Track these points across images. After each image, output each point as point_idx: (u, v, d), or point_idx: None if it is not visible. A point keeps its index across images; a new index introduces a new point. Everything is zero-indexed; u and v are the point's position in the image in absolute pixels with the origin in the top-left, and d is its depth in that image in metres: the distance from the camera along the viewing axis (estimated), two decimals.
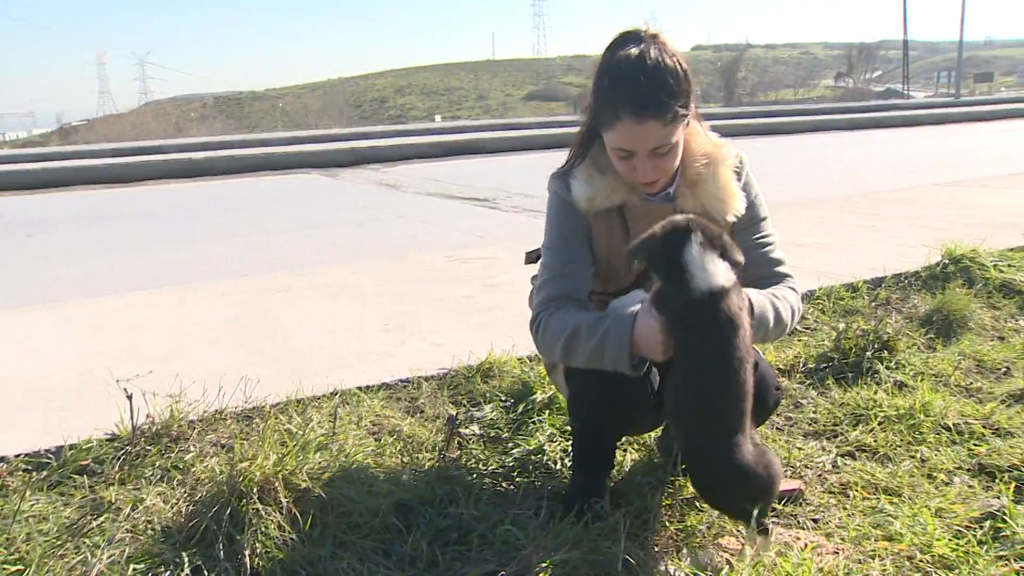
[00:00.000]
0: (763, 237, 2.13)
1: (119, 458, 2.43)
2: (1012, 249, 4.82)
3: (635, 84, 1.83)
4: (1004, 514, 2.01)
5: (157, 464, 2.40)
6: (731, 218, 2.03)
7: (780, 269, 2.15)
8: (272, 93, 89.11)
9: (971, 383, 3.12)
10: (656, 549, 2.00)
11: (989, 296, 4.10)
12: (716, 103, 62.24)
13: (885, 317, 3.50)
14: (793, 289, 2.14)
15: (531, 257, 2.39)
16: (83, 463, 2.45)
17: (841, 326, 3.56)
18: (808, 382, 3.14)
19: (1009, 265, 4.39)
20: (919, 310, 3.84)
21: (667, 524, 2.12)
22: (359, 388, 2.94)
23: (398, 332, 3.60)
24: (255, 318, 3.97)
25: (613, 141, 1.91)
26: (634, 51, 1.87)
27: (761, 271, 2.11)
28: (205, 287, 4.72)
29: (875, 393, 2.92)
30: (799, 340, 3.54)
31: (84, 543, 1.93)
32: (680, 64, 1.88)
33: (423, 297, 4.21)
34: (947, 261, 4.39)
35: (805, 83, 78.81)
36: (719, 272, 1.74)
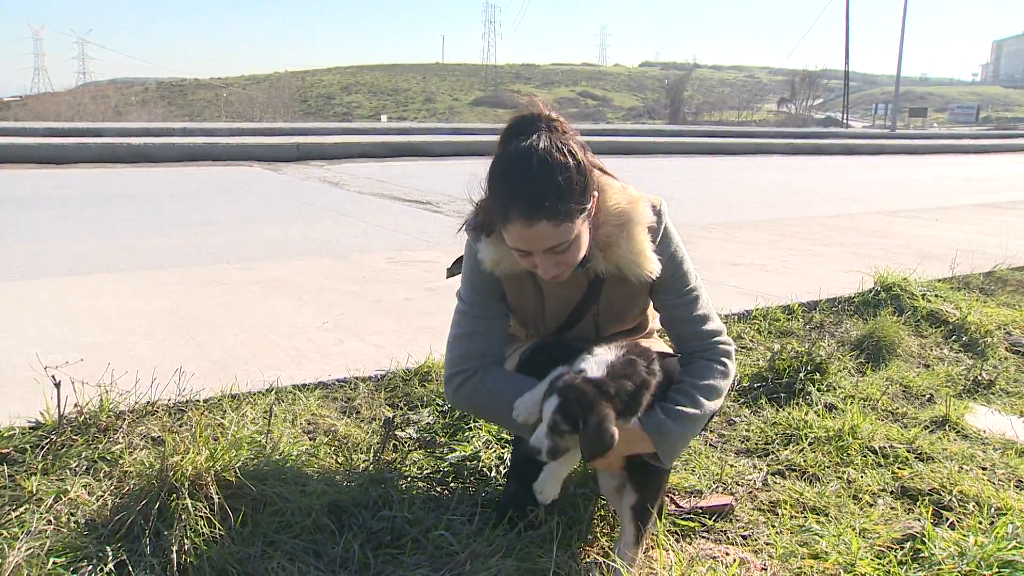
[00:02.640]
0: (686, 294, 2.03)
1: (43, 447, 2.35)
2: (940, 280, 4.98)
3: (523, 185, 1.74)
4: (924, 536, 2.07)
5: (83, 455, 2.33)
6: (647, 278, 1.94)
7: (707, 327, 2.06)
8: (217, 82, 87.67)
9: (897, 408, 3.21)
10: (587, 560, 2.01)
11: (917, 324, 4.23)
12: (661, 120, 63.17)
13: (818, 340, 3.59)
14: (719, 359, 2.05)
15: (452, 271, 2.36)
16: (3, 451, 2.37)
17: (776, 347, 3.64)
18: (742, 400, 3.19)
19: (936, 295, 4.53)
20: (851, 334, 3.94)
21: (599, 535, 2.14)
22: (295, 386, 2.90)
23: (336, 331, 3.57)
24: (192, 310, 3.89)
25: (508, 240, 1.83)
26: (523, 146, 1.77)
27: (684, 331, 2.05)
28: (143, 276, 4.61)
29: (806, 414, 2.98)
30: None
31: (1, 534, 1.87)
32: (572, 156, 1.77)
33: (363, 298, 4.17)
34: (879, 288, 4.52)
35: (749, 106, 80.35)
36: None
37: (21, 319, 3.69)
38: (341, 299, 4.15)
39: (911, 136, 36.04)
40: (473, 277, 2.04)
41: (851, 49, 51.50)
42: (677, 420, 1.90)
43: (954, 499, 2.37)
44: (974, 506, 2.34)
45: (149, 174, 11.36)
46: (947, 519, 2.26)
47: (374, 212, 8.28)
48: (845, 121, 56.24)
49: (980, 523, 2.18)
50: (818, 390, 3.24)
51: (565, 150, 1.76)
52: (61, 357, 3.04)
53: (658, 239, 1.97)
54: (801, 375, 3.27)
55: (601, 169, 1.92)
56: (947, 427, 3.03)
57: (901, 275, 4.64)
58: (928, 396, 3.39)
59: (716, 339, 2.06)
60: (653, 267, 1.92)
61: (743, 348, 3.75)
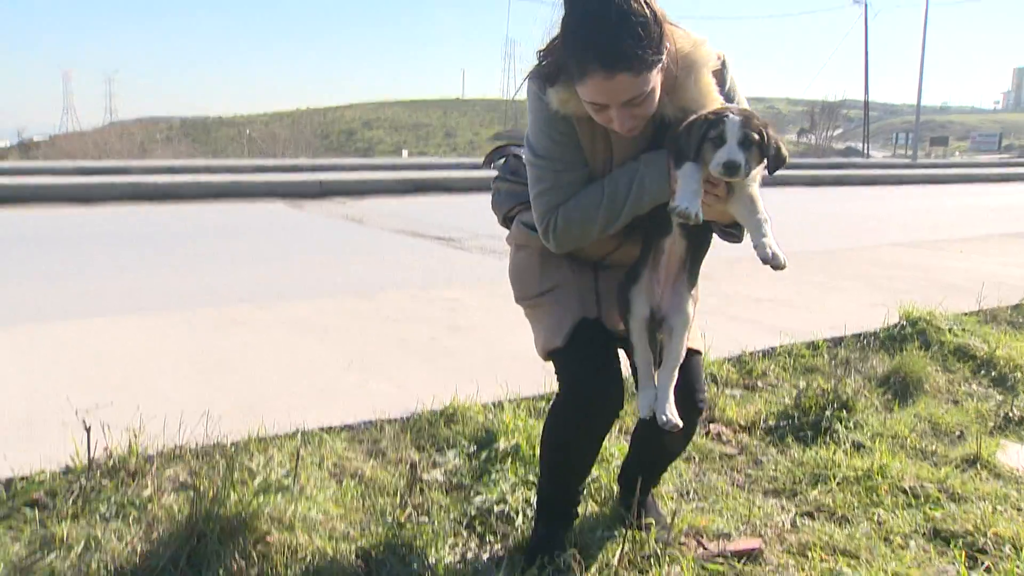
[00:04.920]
0: None
1: (73, 492, 2.37)
2: (967, 313, 4.94)
3: (602, 36, 1.72)
4: None
5: (113, 500, 2.34)
6: None
7: None
8: (240, 119, 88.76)
9: (927, 446, 3.18)
10: None
11: (944, 359, 4.19)
12: None
13: (844, 377, 3.56)
14: None
15: (491, 158, 2.37)
16: (34, 496, 2.39)
17: (802, 384, 3.62)
18: (768, 439, 3.17)
19: (963, 329, 4.49)
20: (877, 371, 3.91)
21: None
22: (321, 428, 2.91)
23: (361, 372, 3.58)
24: (219, 351, 3.93)
25: (585, 95, 1.81)
26: (599, 1, 1.74)
27: None
28: (170, 316, 4.66)
29: (834, 453, 2.96)
30: (760, 396, 3.59)
31: None
32: (649, 6, 1.76)
33: (388, 337, 4.19)
34: (905, 323, 4.48)
35: None
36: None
37: (51, 361, 3.73)
38: (366, 339, 4.17)
39: (933, 165, 35.89)
40: (545, 126, 1.96)
41: (871, 78, 51.49)
42: None
43: (989, 542, 2.34)
44: (1010, 549, 2.30)
45: (174, 212, 11.50)
46: (982, 563, 2.23)
47: (397, 249, 8.34)
48: (866, 151, 56.13)
49: (1017, 567, 2.14)
50: (845, 428, 3.21)
51: (640, 2, 1.74)
52: (91, 399, 3.08)
53: (726, 86, 1.96)
54: (828, 413, 3.24)
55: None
56: (979, 465, 2.99)
57: (927, 309, 4.60)
58: (958, 433, 3.35)
59: None
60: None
61: (768, 386, 3.73)
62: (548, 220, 2.00)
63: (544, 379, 3.19)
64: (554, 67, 1.89)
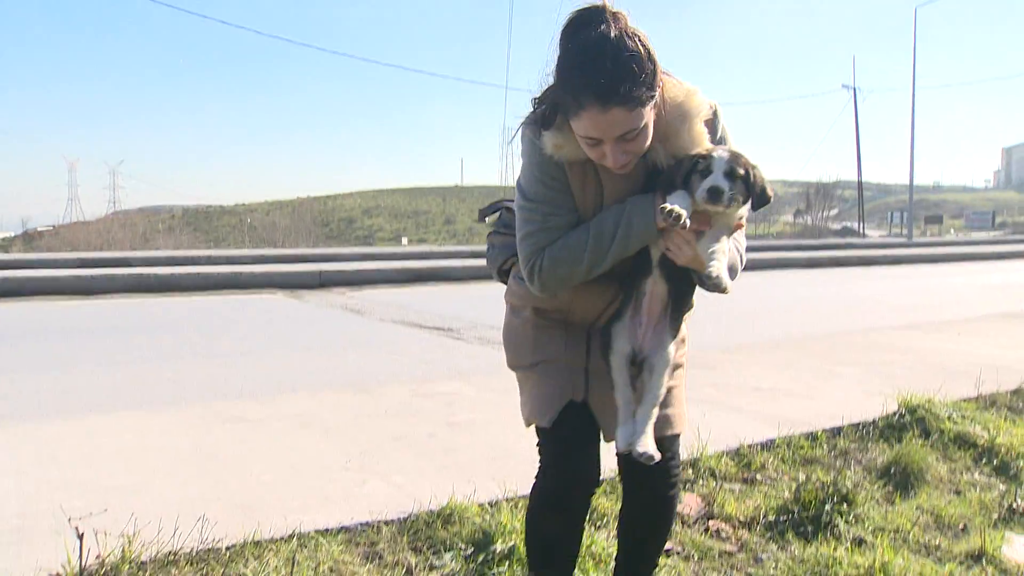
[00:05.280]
0: None
1: None
2: (966, 400, 4.92)
3: (598, 72, 1.77)
4: None
5: None
6: None
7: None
8: (241, 208, 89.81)
9: (930, 540, 3.14)
10: None
11: (945, 447, 4.17)
12: None
13: (844, 469, 3.54)
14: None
15: (486, 212, 2.39)
16: None
17: (801, 477, 3.60)
18: (768, 535, 3.14)
19: (963, 416, 4.47)
20: (877, 461, 3.89)
21: None
22: (318, 531, 2.88)
23: (359, 471, 3.56)
24: (216, 449, 3.91)
25: (579, 129, 1.85)
26: (594, 35, 1.80)
27: None
28: (166, 413, 4.66)
29: (835, 550, 2.93)
30: (759, 490, 3.56)
31: None
32: (643, 44, 1.82)
33: (386, 433, 4.18)
34: (904, 411, 4.47)
35: (765, 218, 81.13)
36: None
37: (45, 462, 3.71)
38: (364, 436, 4.15)
39: (928, 244, 36.23)
40: (536, 170, 1.99)
41: (864, 159, 52.37)
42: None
43: None
44: None
45: (175, 304, 11.57)
46: None
47: (396, 340, 8.36)
48: (861, 230, 56.69)
49: None
50: (846, 522, 3.18)
51: (636, 38, 1.80)
52: (85, 504, 3.06)
53: (717, 134, 2.01)
54: (828, 507, 3.21)
55: None
56: (984, 561, 2.96)
57: (925, 396, 4.60)
58: (962, 526, 3.31)
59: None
60: None
61: (768, 479, 3.70)
62: (534, 262, 2.02)
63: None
64: (550, 108, 1.94)
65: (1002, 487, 3.76)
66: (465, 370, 6.33)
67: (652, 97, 1.84)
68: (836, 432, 4.31)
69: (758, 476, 3.73)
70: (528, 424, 2.16)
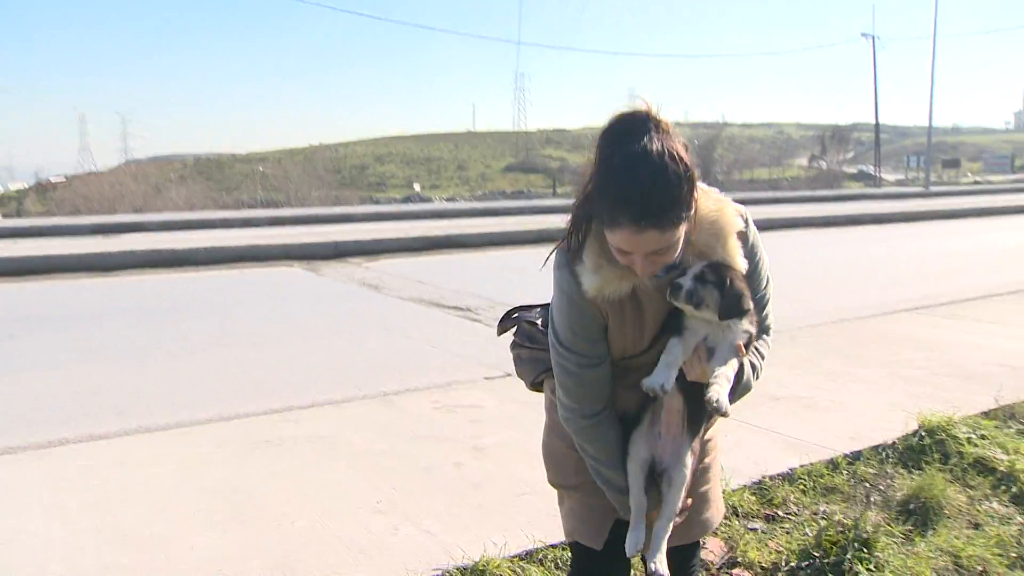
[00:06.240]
0: (757, 300, 2.09)
1: None
2: (986, 415, 4.96)
3: (635, 194, 1.76)
4: None
5: None
6: None
7: (765, 323, 2.17)
8: (253, 156, 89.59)
9: None
10: None
11: (964, 472, 4.22)
12: None
13: (866, 512, 3.61)
14: (766, 344, 2.20)
15: (504, 326, 2.42)
16: None
17: (823, 508, 3.68)
18: None
19: (982, 437, 4.52)
20: (896, 494, 3.95)
21: None
22: None
23: (391, 514, 3.65)
24: (246, 485, 4.00)
25: (611, 240, 1.86)
26: (636, 149, 1.78)
27: None
28: (196, 435, 4.77)
29: None
30: (781, 529, 3.64)
31: None
32: (684, 161, 1.80)
33: (414, 463, 4.26)
34: (923, 432, 4.52)
35: (780, 162, 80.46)
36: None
37: (86, 504, 3.82)
38: (392, 465, 4.24)
39: (945, 194, 35.98)
40: (567, 317, 2.02)
41: (881, 101, 51.67)
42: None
43: None
44: None
45: (193, 281, 11.68)
46: None
47: (415, 324, 8.44)
48: (878, 175, 56.05)
49: None
50: (867, 570, 3.26)
51: (677, 156, 1.78)
52: (130, 560, 3.15)
53: (748, 246, 2.04)
54: (848, 555, 3.29)
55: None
56: None
57: (945, 415, 4.64)
58: (981, 569, 3.39)
59: (767, 334, 2.20)
60: (743, 272, 2.02)
61: (789, 515, 3.78)
62: (567, 421, 2.11)
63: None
64: (583, 231, 1.96)
65: (1020, 519, 3.83)
66: (484, 364, 6.46)
67: (688, 216, 1.85)
68: (856, 457, 4.37)
69: (779, 512, 3.81)
70: (571, 540, 2.23)
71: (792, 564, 3.33)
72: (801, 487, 4.03)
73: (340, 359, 6.93)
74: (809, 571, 3.28)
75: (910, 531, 3.65)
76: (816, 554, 3.35)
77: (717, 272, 1.95)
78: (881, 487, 4.08)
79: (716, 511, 2.30)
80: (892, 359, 6.41)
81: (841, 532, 3.41)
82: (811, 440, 4.56)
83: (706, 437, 2.23)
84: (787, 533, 3.58)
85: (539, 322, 2.32)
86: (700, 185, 1.95)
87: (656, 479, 2.08)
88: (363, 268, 12.88)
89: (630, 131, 1.82)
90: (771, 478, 4.05)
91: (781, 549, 3.43)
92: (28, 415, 5.35)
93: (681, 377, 2.00)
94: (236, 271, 12.58)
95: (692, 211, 1.88)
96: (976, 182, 61.68)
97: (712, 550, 3.44)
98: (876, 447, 4.47)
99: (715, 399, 1.89)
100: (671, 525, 2.06)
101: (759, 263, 2.10)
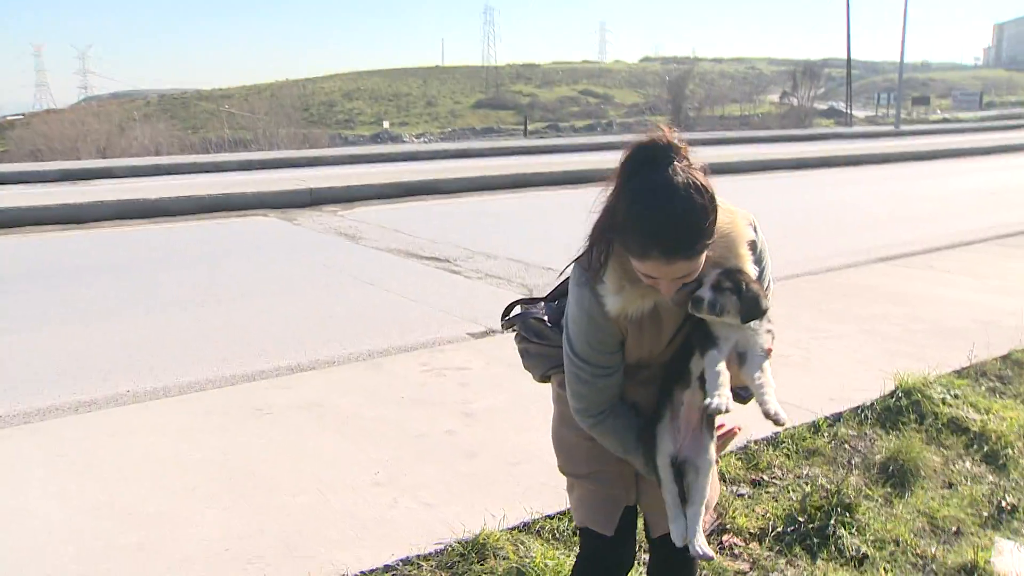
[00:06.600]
0: None
1: None
2: (959, 373, 5.12)
3: (666, 229, 1.81)
4: None
5: None
6: None
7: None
8: (218, 93, 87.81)
9: (925, 549, 3.38)
10: None
11: (939, 433, 4.39)
12: (664, 117, 63.06)
13: (847, 477, 3.74)
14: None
15: (510, 322, 2.44)
16: None
17: (806, 477, 3.81)
18: (777, 548, 3.36)
19: (956, 397, 4.68)
20: (875, 456, 4.10)
21: None
22: (362, 573, 3.07)
23: (388, 485, 3.73)
24: (243, 458, 4.04)
25: (639, 268, 1.91)
26: (662, 182, 1.82)
27: None
28: (190, 403, 4.81)
29: (836, 571, 3.16)
30: (767, 494, 3.77)
31: None
32: (707, 191, 1.85)
33: (406, 432, 4.33)
34: (900, 393, 4.66)
35: (751, 99, 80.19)
36: None
37: (86, 481, 3.87)
38: (385, 433, 4.31)
39: (916, 133, 36.25)
40: (584, 332, 2.08)
41: (852, 36, 51.56)
42: None
43: None
44: None
45: (169, 232, 11.56)
46: None
47: (394, 276, 8.48)
48: (849, 113, 56.08)
49: None
50: (849, 533, 3.40)
51: (701, 187, 1.83)
52: (137, 538, 3.21)
53: (757, 248, 2.12)
54: (832, 520, 3.44)
55: None
56: (976, 575, 3.20)
57: (920, 375, 4.79)
58: (955, 529, 3.55)
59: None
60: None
61: (774, 479, 3.92)
62: (583, 420, 2.19)
63: (561, 491, 3.36)
64: (604, 252, 1.99)
65: (991, 478, 4.00)
66: (467, 317, 6.64)
67: (711, 243, 1.91)
68: (836, 418, 4.51)
69: (765, 477, 3.94)
70: (582, 526, 2.32)
71: (779, 529, 3.46)
72: (785, 451, 4.16)
73: (323, 315, 6.96)
74: (795, 536, 3.41)
75: (889, 493, 3.81)
76: (801, 519, 3.49)
77: (732, 278, 2.01)
78: (861, 449, 4.23)
79: (714, 492, 2.40)
80: (868, 314, 6.55)
81: (825, 497, 3.56)
82: (792, 402, 4.69)
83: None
84: (773, 499, 3.71)
85: (547, 319, 2.36)
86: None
87: (681, 469, 2.16)
88: (339, 216, 12.80)
89: (653, 161, 1.86)
90: (756, 442, 4.18)
91: (768, 515, 3.57)
92: (13, 381, 5.35)
93: (702, 377, 2.06)
94: (211, 221, 12.45)
95: (715, 238, 1.93)
96: (945, 119, 62.22)
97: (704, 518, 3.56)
98: (856, 408, 4.61)
99: (773, 411, 1.96)
100: (703, 510, 2.15)
101: (765, 268, 2.16)
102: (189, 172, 19.54)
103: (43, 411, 4.84)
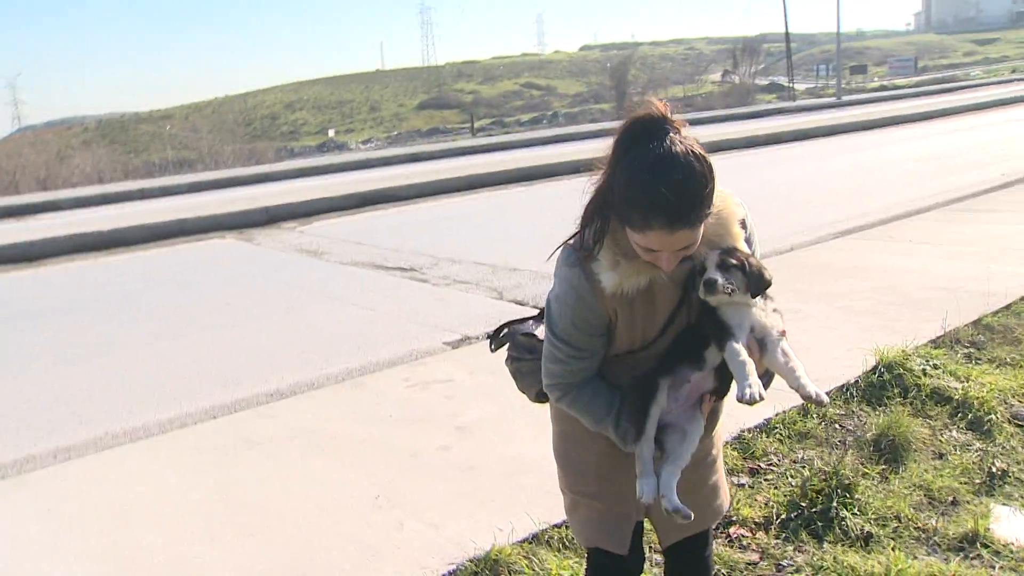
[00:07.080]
0: None
1: None
2: (935, 343, 5.21)
3: (670, 197, 1.80)
4: None
5: None
6: None
7: None
8: (158, 114, 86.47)
9: (926, 523, 3.44)
10: None
11: (923, 404, 4.46)
12: (608, 104, 63.31)
13: (843, 458, 3.80)
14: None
15: (499, 341, 2.43)
16: None
17: (801, 461, 3.86)
18: (784, 535, 3.40)
19: (935, 367, 4.77)
20: (866, 434, 4.16)
21: None
22: None
23: (391, 508, 3.70)
24: (239, 491, 3.99)
25: (640, 241, 1.90)
26: (661, 154, 1.81)
27: None
28: (178, 441, 4.73)
29: (846, 554, 3.20)
30: (766, 482, 3.81)
31: None
32: (705, 159, 1.86)
33: (400, 451, 4.30)
34: (882, 368, 4.74)
35: (692, 79, 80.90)
36: None
37: (85, 535, 3.78)
38: (381, 456, 4.27)
39: (857, 103, 36.97)
40: (570, 312, 2.06)
41: (787, 9, 52.44)
42: None
43: None
44: None
45: (126, 264, 11.35)
46: None
47: (362, 289, 8.43)
48: (791, 87, 56.78)
49: None
50: (852, 515, 3.45)
51: (699, 155, 1.84)
52: None
53: (747, 230, 2.13)
54: (834, 503, 3.48)
55: None
56: (978, 544, 3.26)
57: (900, 349, 4.87)
58: (951, 499, 3.62)
59: None
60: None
61: (771, 466, 3.96)
62: (554, 394, 2.18)
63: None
64: (599, 230, 1.97)
65: (978, 445, 4.08)
66: (441, 326, 6.58)
67: (711, 213, 1.92)
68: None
69: (762, 464, 3.98)
70: (592, 546, 2.30)
71: (783, 516, 3.50)
72: (778, 436, 4.21)
73: (295, 337, 6.89)
74: (799, 521, 3.45)
75: (884, 470, 3.87)
76: (803, 504, 3.53)
77: (732, 255, 2.03)
78: (851, 428, 4.30)
79: (724, 498, 2.41)
80: (837, 290, 6.65)
81: (824, 480, 3.60)
82: (777, 386, 4.73)
83: (712, 432, 2.33)
84: (773, 486, 3.76)
85: (536, 332, 2.33)
86: None
87: (664, 432, 2.14)
88: (298, 233, 12.68)
89: (649, 133, 1.85)
90: (749, 431, 4.22)
91: (770, 502, 3.60)
92: None
93: (724, 369, 2.06)
94: (169, 248, 12.26)
95: (713, 208, 1.93)
96: (883, 87, 63.51)
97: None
98: (840, 387, 4.68)
99: (814, 394, 2.01)
100: (679, 472, 2.12)
101: (755, 246, 2.18)
102: (138, 199, 19.21)
103: (20, 462, 4.72)
